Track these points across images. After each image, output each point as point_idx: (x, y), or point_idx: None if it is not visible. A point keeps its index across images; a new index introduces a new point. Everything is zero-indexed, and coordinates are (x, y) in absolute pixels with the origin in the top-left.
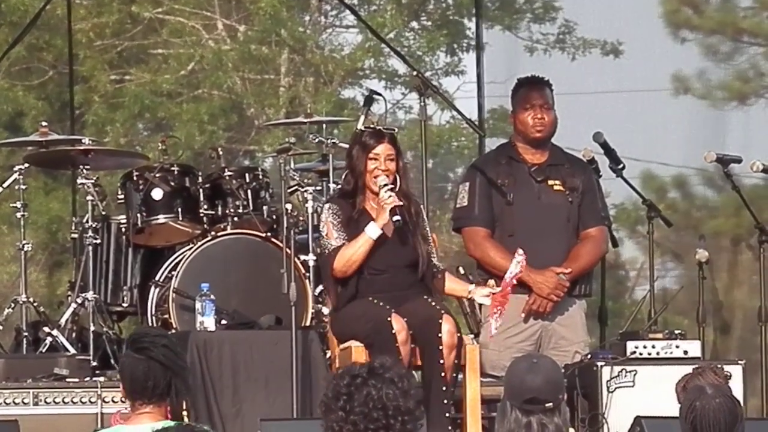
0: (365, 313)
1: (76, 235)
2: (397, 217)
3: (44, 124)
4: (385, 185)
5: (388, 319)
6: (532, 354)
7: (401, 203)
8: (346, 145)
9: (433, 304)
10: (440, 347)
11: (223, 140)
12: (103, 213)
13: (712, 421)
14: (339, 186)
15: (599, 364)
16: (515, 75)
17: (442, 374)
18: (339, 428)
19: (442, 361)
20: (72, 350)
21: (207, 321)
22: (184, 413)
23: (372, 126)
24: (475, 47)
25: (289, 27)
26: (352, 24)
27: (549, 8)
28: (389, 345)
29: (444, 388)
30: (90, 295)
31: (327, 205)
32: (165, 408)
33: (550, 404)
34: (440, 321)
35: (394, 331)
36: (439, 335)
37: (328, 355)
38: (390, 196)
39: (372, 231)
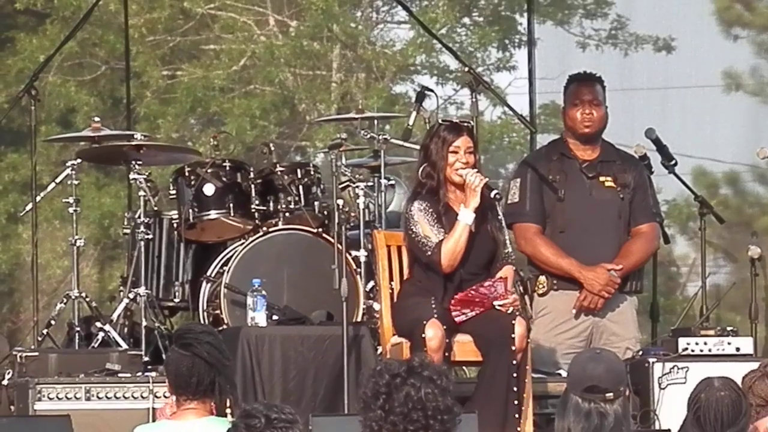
0: (413, 311)
1: (128, 231)
2: (495, 191)
3: (96, 119)
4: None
5: (424, 323)
6: (596, 348)
7: (488, 178)
8: (398, 141)
9: None
10: (513, 348)
11: (274, 135)
12: (155, 208)
13: (714, 414)
14: (421, 181)
15: (651, 360)
16: (567, 71)
17: (515, 374)
18: (378, 427)
19: (515, 362)
20: (124, 345)
21: (258, 316)
22: (228, 411)
23: (449, 119)
24: (526, 43)
25: (340, 22)
26: (403, 20)
27: (601, 3)
28: (418, 347)
29: (515, 388)
30: (142, 290)
31: (415, 204)
32: (210, 404)
33: (611, 394)
34: (513, 322)
35: (424, 336)
36: (513, 336)
37: (379, 351)
38: (475, 176)
39: (467, 217)
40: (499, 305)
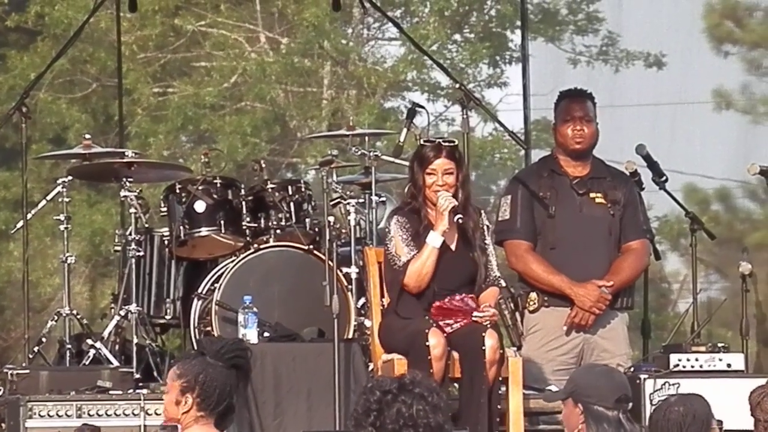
0: (407, 325)
1: (119, 248)
2: (458, 216)
3: (87, 136)
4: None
5: (426, 331)
6: (594, 364)
7: (456, 203)
8: (389, 158)
9: None
10: (484, 360)
11: (265, 152)
12: (146, 225)
13: (664, 427)
14: (406, 200)
15: (642, 376)
16: (558, 87)
17: (487, 386)
18: None
19: (485, 373)
20: (115, 362)
21: (249, 333)
22: None
23: (433, 139)
24: (518, 59)
25: (331, 39)
26: (394, 36)
27: (592, 20)
28: (422, 358)
29: (489, 401)
30: (133, 307)
31: (395, 218)
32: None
33: (631, 404)
34: (483, 335)
35: (428, 344)
36: (483, 348)
37: (370, 368)
38: (446, 199)
39: (434, 240)
40: (478, 316)
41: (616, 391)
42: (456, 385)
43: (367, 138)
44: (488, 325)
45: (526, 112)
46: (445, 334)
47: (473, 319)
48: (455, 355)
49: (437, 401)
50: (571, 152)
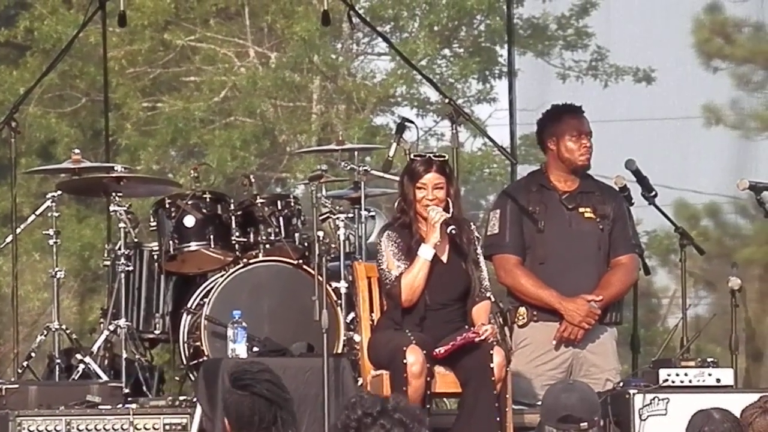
0: (390, 341)
1: (108, 263)
2: (451, 227)
3: (77, 151)
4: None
5: (404, 348)
6: (570, 379)
7: (449, 215)
8: (379, 173)
9: None
10: (492, 378)
11: (254, 166)
12: (136, 240)
13: None
14: (396, 216)
15: (631, 392)
16: (547, 102)
17: (496, 404)
18: None
19: (495, 391)
20: (104, 377)
21: (239, 348)
22: None
23: (423, 154)
24: (507, 74)
25: (321, 54)
26: (384, 51)
27: (581, 35)
28: (400, 374)
29: (498, 418)
30: (122, 322)
31: (386, 233)
32: None
33: (585, 424)
34: (491, 352)
35: (405, 362)
36: (491, 366)
37: (359, 382)
38: (437, 212)
39: (425, 252)
40: (476, 334)
41: (559, 411)
42: (445, 400)
43: (356, 153)
44: (494, 343)
45: (513, 127)
46: (442, 354)
47: (476, 341)
48: (440, 370)
49: (417, 429)
50: (579, 167)
